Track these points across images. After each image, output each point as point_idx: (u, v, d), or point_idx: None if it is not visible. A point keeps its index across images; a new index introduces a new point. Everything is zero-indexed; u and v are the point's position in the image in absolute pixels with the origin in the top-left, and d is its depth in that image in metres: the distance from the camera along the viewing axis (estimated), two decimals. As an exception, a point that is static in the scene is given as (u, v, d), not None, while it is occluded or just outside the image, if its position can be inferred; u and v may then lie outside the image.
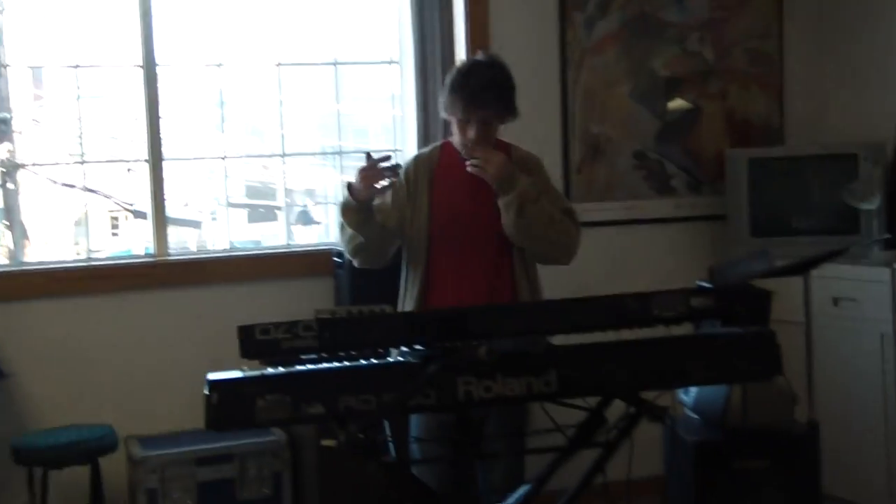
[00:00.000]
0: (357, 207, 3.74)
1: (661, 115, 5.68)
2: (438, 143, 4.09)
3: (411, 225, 3.90)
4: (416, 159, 4.03)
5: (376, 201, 3.78)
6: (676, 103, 5.72)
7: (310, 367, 2.95)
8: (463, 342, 2.92)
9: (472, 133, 3.80)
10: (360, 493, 3.53)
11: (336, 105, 5.37)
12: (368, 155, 3.71)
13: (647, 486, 3.53)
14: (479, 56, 4.08)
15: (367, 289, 4.24)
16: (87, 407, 4.77)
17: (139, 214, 5.15)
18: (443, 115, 3.97)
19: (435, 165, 3.96)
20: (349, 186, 3.74)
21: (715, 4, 5.76)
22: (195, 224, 5.25)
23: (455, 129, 3.88)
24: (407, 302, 3.92)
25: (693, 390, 4.29)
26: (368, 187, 3.69)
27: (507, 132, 4.04)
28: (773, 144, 5.87)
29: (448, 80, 3.90)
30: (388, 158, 3.71)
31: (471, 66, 3.91)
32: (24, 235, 5.08)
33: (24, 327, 4.78)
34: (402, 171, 3.90)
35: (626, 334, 3.10)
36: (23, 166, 5.04)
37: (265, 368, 2.90)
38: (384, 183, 3.70)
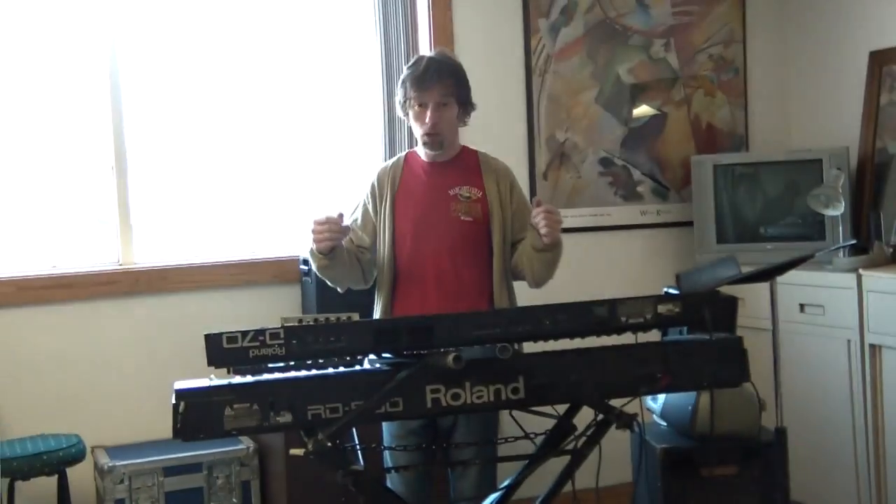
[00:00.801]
0: (318, 254, 3.80)
1: (626, 121, 5.71)
2: (402, 153, 4.10)
3: (379, 238, 3.92)
4: (380, 172, 4.04)
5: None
6: (642, 110, 5.74)
7: (277, 375, 2.94)
8: (431, 350, 2.92)
9: (428, 117, 3.82)
10: (329, 502, 3.52)
11: (303, 112, 5.34)
12: (340, 215, 3.75)
13: (615, 493, 3.52)
14: (429, 52, 4.12)
15: (334, 297, 4.24)
16: (53, 416, 4.73)
17: (104, 222, 5.10)
18: (400, 114, 3.98)
19: (399, 176, 3.97)
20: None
21: (679, 11, 5.80)
22: (161, 232, 5.21)
23: (414, 123, 3.90)
24: (376, 310, 3.94)
25: (661, 397, 4.30)
26: (319, 241, 3.75)
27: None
28: (738, 151, 5.91)
29: (400, 80, 3.95)
30: (340, 216, 3.75)
31: (419, 57, 3.96)
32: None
33: (-11, 337, 4.75)
34: (367, 189, 4.00)
35: (594, 341, 3.11)
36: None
37: (233, 377, 2.89)
38: (329, 243, 3.73)
